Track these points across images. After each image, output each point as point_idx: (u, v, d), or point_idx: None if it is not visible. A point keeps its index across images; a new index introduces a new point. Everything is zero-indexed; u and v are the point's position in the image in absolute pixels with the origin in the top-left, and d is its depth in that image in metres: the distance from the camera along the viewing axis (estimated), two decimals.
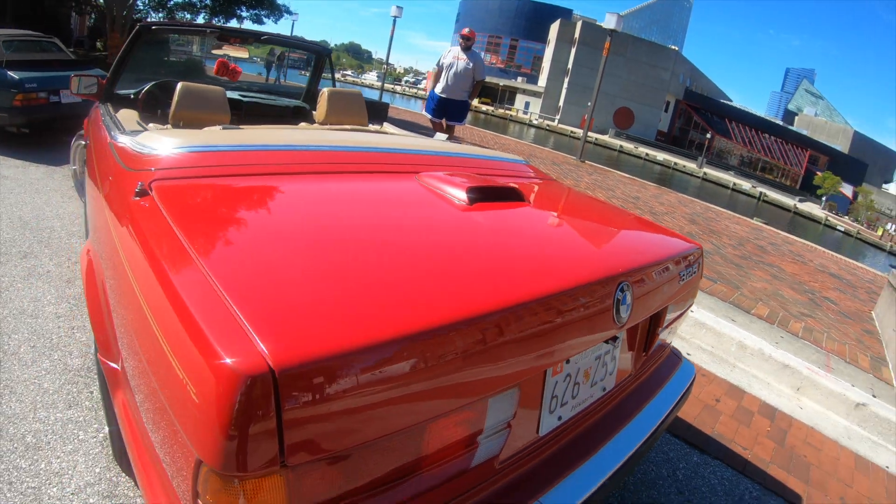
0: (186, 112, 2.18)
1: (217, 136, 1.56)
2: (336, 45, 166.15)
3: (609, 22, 12.11)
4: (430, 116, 7.03)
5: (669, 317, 1.55)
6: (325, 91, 2.66)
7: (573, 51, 60.88)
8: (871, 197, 55.42)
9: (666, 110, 66.16)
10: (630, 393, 1.47)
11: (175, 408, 0.73)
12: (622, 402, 1.42)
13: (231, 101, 2.50)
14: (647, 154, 48.37)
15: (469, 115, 6.89)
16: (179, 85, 2.19)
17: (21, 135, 5.16)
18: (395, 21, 18.51)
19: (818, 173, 56.07)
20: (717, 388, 2.95)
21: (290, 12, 19.05)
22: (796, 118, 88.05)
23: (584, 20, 64.18)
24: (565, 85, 61.82)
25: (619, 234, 1.73)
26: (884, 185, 68.73)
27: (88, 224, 2.00)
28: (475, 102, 6.72)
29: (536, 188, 1.86)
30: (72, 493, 1.54)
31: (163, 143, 1.37)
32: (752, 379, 3.17)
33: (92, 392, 1.96)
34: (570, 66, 61.10)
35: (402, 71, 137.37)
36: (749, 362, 3.27)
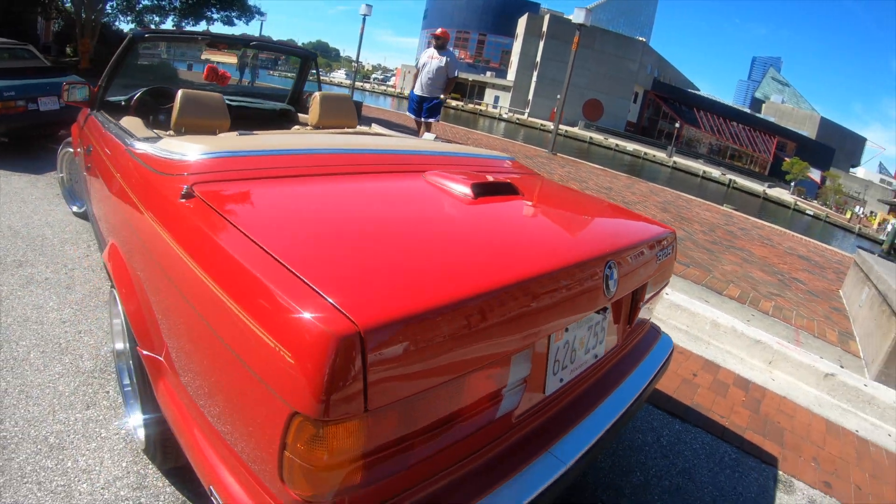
0: (188, 119, 2.26)
1: (238, 143, 1.67)
2: (303, 43, 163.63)
3: (577, 17, 12.31)
4: (412, 116, 7.38)
5: (649, 294, 1.75)
6: (316, 95, 2.76)
7: (541, 44, 61.27)
8: (839, 181, 56.91)
9: (635, 101, 67.06)
10: (618, 361, 1.68)
11: (266, 373, 0.85)
12: (612, 368, 1.63)
13: None
14: (616, 145, 49.01)
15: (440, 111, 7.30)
16: (180, 93, 2.26)
17: (0, 144, 5.13)
18: (364, 19, 18.53)
19: (786, 159, 57.39)
20: (694, 364, 3.14)
21: (260, 13, 18.94)
22: (763, 106, 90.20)
23: (552, 13, 64.68)
24: (534, 78, 62.21)
25: (604, 220, 1.94)
26: (851, 169, 70.49)
27: (105, 227, 2.06)
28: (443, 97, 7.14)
29: (526, 182, 2.02)
30: (102, 488, 1.60)
31: (191, 150, 1.48)
32: (727, 355, 3.37)
33: (108, 392, 2.03)
34: (538, 59, 61.48)
35: (370, 68, 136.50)
36: (723, 339, 3.48)
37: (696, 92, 75.25)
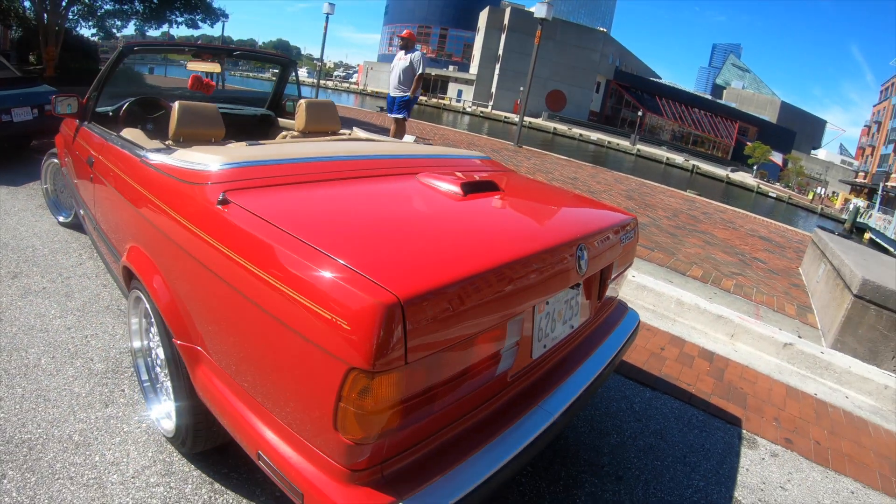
0: (186, 129, 2.38)
1: (252, 153, 1.82)
2: (264, 42, 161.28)
3: (539, 11, 12.60)
4: (391, 116, 7.83)
5: (615, 273, 2.03)
6: (302, 103, 2.91)
7: (503, 37, 61.72)
8: (801, 163, 58.80)
9: (597, 91, 68.13)
10: (592, 331, 1.97)
11: (323, 340, 1.06)
12: (587, 338, 1.92)
13: None
14: (580, 135, 49.76)
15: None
16: (177, 104, 2.37)
17: None
18: (327, 18, 18.51)
19: (748, 143, 59.05)
20: (661, 339, 3.41)
21: (225, 15, 18.67)
22: (725, 92, 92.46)
23: (513, 6, 65.09)
24: (497, 71, 62.66)
25: (573, 209, 2.21)
26: (812, 151, 72.82)
27: (120, 233, 2.16)
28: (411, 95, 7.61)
29: (503, 179, 2.23)
30: (132, 477, 1.72)
31: (211, 160, 1.64)
32: (691, 330, 3.65)
33: (124, 390, 2.14)
34: (500, 52, 61.92)
35: (332, 66, 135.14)
36: (687, 316, 3.76)
37: (658, 80, 76.85)
